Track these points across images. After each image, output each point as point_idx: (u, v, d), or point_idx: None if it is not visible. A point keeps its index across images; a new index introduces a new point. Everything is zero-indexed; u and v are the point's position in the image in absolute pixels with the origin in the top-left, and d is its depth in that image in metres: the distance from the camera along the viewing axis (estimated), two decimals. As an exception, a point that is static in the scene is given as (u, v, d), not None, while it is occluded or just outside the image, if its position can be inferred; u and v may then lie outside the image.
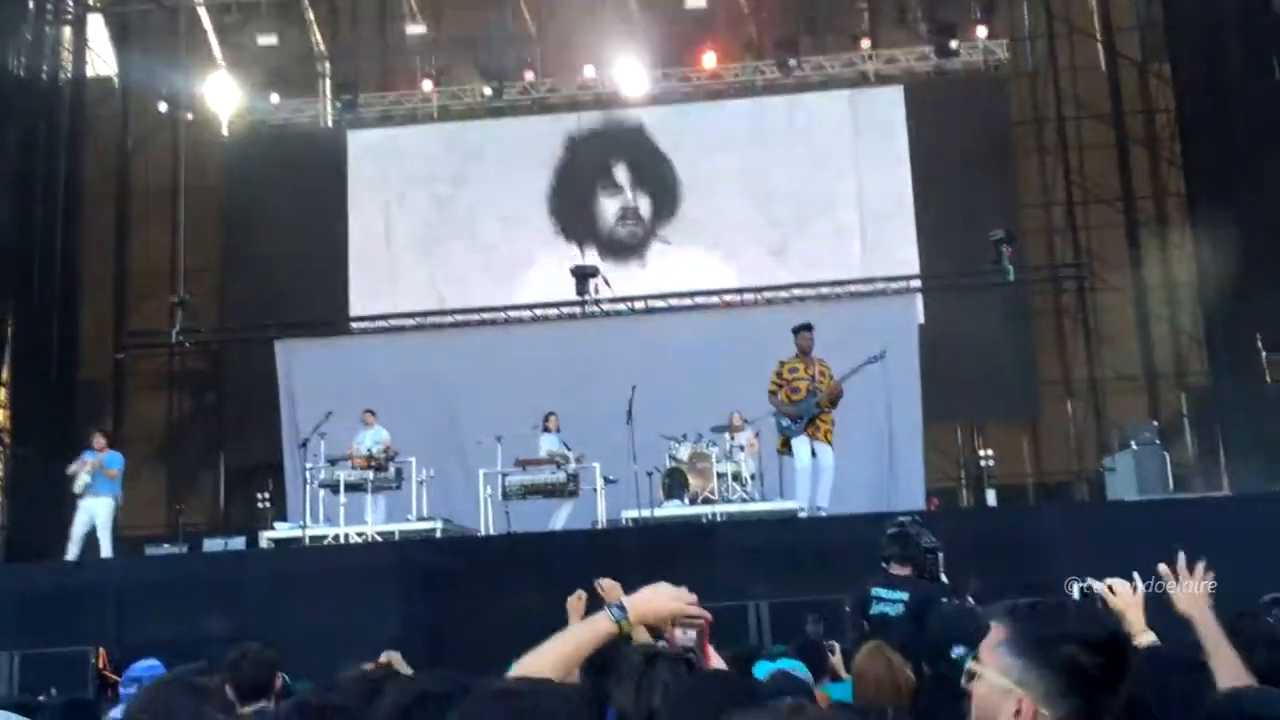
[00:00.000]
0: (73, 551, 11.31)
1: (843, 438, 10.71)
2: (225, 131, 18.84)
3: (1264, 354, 14.22)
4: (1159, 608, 2.79)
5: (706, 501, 11.28)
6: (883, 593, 5.65)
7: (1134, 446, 11.94)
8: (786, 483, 11.19)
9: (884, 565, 5.74)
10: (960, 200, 16.55)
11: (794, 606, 7.79)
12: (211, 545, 13.09)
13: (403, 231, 18.09)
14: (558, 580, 8.67)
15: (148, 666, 5.40)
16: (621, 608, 2.14)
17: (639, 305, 17.14)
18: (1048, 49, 18.72)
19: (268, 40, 17.53)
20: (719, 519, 10.69)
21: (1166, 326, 17.63)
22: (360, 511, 11.93)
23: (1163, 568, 2.80)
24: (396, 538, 11.34)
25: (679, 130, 17.90)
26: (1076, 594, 2.76)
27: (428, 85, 18.33)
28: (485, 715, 1.57)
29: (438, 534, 11.53)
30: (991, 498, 15.60)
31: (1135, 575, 2.80)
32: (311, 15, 19.52)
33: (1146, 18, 18.25)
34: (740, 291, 17.16)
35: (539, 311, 17.23)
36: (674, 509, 11.12)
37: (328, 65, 19.05)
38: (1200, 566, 2.78)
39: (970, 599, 5.64)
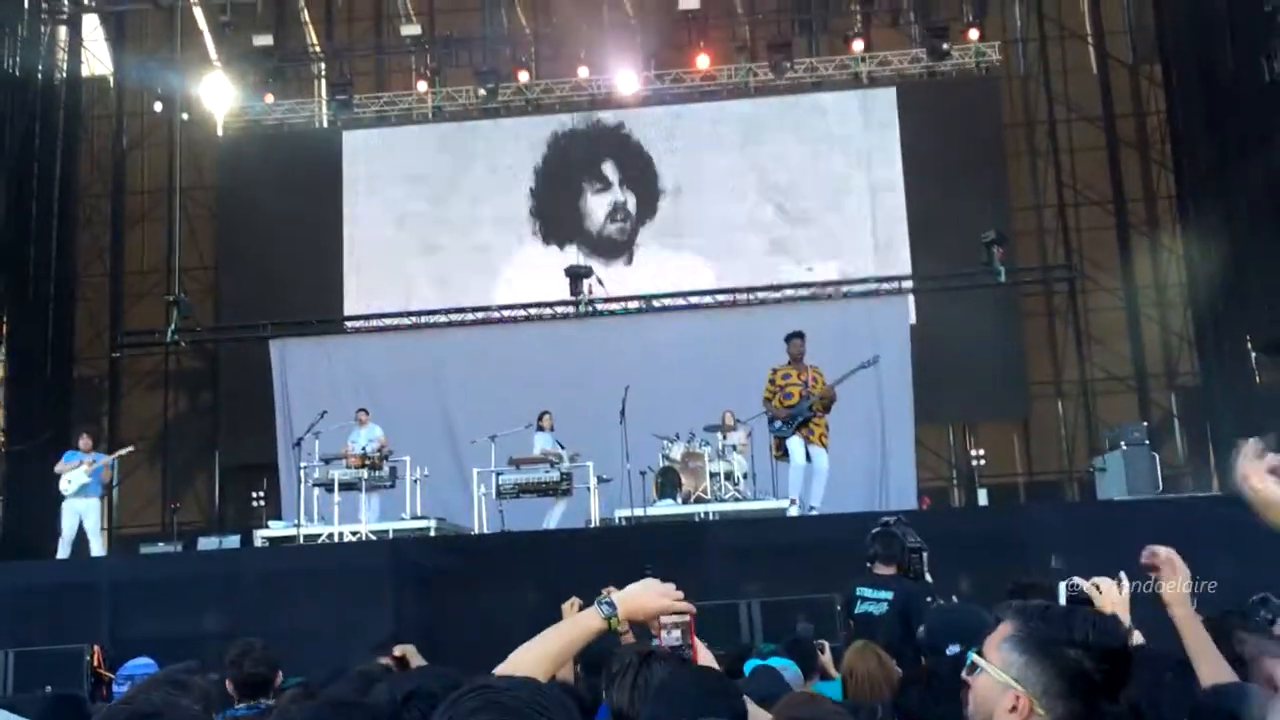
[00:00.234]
0: (64, 552, 11.33)
1: (835, 437, 10.77)
2: (220, 131, 18.88)
3: (1253, 355, 14.32)
4: (1146, 606, 2.84)
5: (699, 501, 11.34)
6: (867, 592, 5.71)
7: (1124, 447, 12.01)
8: (779, 482, 11.25)
9: (869, 565, 5.80)
10: (952, 201, 16.64)
11: (785, 605, 7.84)
12: (206, 544, 13.14)
13: (397, 231, 18.13)
14: (551, 579, 8.76)
15: (141, 665, 5.44)
16: (610, 604, 2.18)
17: (632, 305, 17.20)
18: (1039, 52, 18.83)
19: (263, 40, 17.53)
20: (711, 518, 10.75)
21: (1157, 328, 17.74)
22: (355, 510, 11.97)
23: (1157, 550, 2.83)
24: (390, 536, 11.37)
25: (671, 131, 17.97)
26: (1063, 592, 2.80)
27: (422, 86, 18.36)
28: (468, 710, 1.61)
29: (431, 533, 11.58)
30: (983, 497, 15.70)
31: (1122, 574, 2.84)
32: (307, 15, 19.58)
33: (1137, 21, 18.36)
34: (733, 292, 17.22)
35: (533, 311, 17.28)
36: (667, 508, 11.17)
37: (323, 65, 19.09)
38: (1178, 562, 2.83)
39: (955, 598, 5.70)
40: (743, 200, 17.59)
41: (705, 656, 2.31)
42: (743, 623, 8.03)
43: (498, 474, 11.74)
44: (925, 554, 5.83)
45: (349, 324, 17.91)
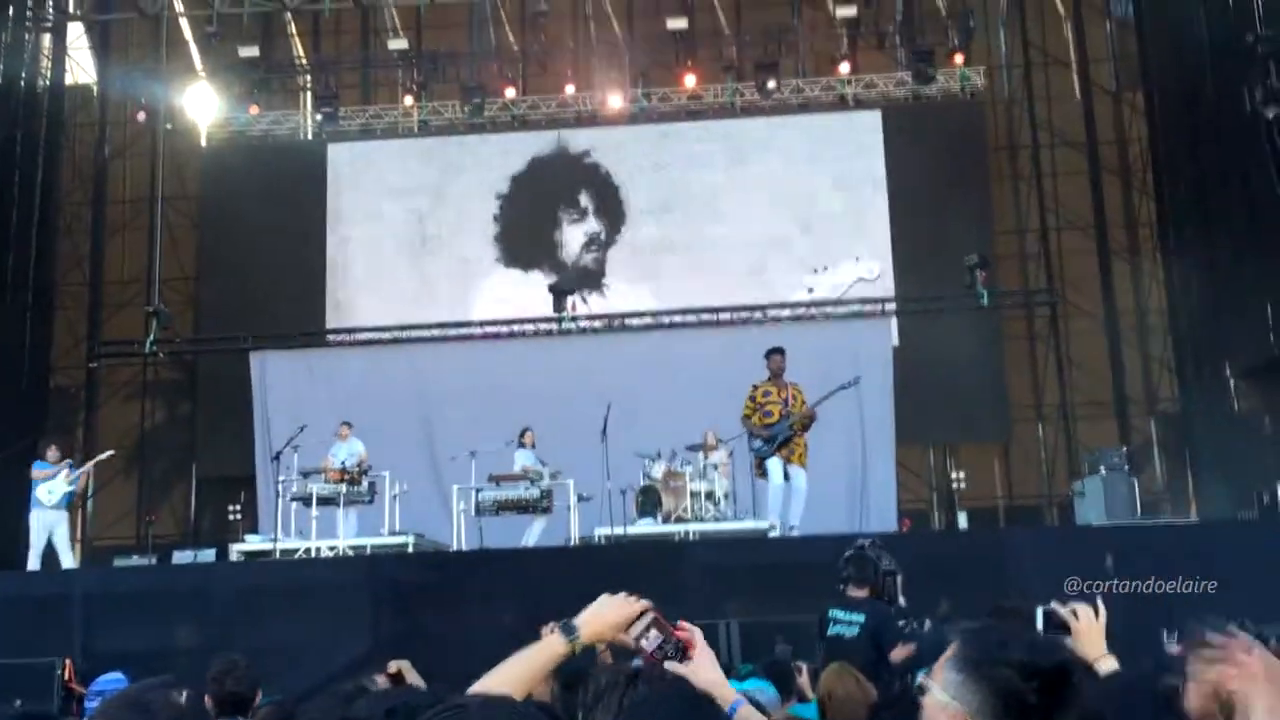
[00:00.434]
0: (34, 563, 11.21)
1: (816, 458, 10.78)
2: (204, 141, 18.82)
3: (1233, 382, 14.40)
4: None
5: (679, 520, 11.30)
6: (839, 614, 5.70)
7: (1103, 471, 12.07)
8: (759, 503, 11.24)
9: (841, 587, 5.80)
10: (935, 225, 16.73)
11: (764, 626, 7.81)
12: (181, 557, 12.98)
13: (381, 245, 18.08)
14: (530, 597, 8.71)
15: (112, 680, 5.37)
16: (571, 627, 2.17)
17: (615, 323, 17.19)
18: (1024, 77, 18.97)
19: (249, 51, 17.49)
20: (691, 538, 10.72)
21: (1137, 353, 17.83)
22: (332, 525, 11.89)
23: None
24: (368, 552, 11.29)
25: (655, 149, 18.01)
26: (1040, 616, 2.80)
27: (408, 100, 18.35)
28: None
29: (409, 548, 11.49)
30: (963, 520, 15.71)
31: (1098, 599, 2.84)
32: (294, 28, 19.55)
33: (1120, 49, 18.52)
34: (715, 311, 17.24)
35: (516, 327, 17.24)
36: (647, 527, 11.13)
37: (309, 78, 19.05)
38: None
39: (928, 622, 5.70)
40: (725, 220, 17.61)
41: (699, 642, 2.25)
42: (721, 643, 8.00)
43: (477, 490, 11.69)
44: (899, 577, 5.84)
45: (330, 337, 17.84)
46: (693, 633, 2.23)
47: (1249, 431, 13.65)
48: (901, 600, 5.92)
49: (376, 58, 18.91)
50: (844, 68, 17.62)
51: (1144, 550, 8.81)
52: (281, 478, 12.05)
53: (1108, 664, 2.78)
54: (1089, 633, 2.76)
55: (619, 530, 10.76)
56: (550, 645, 2.17)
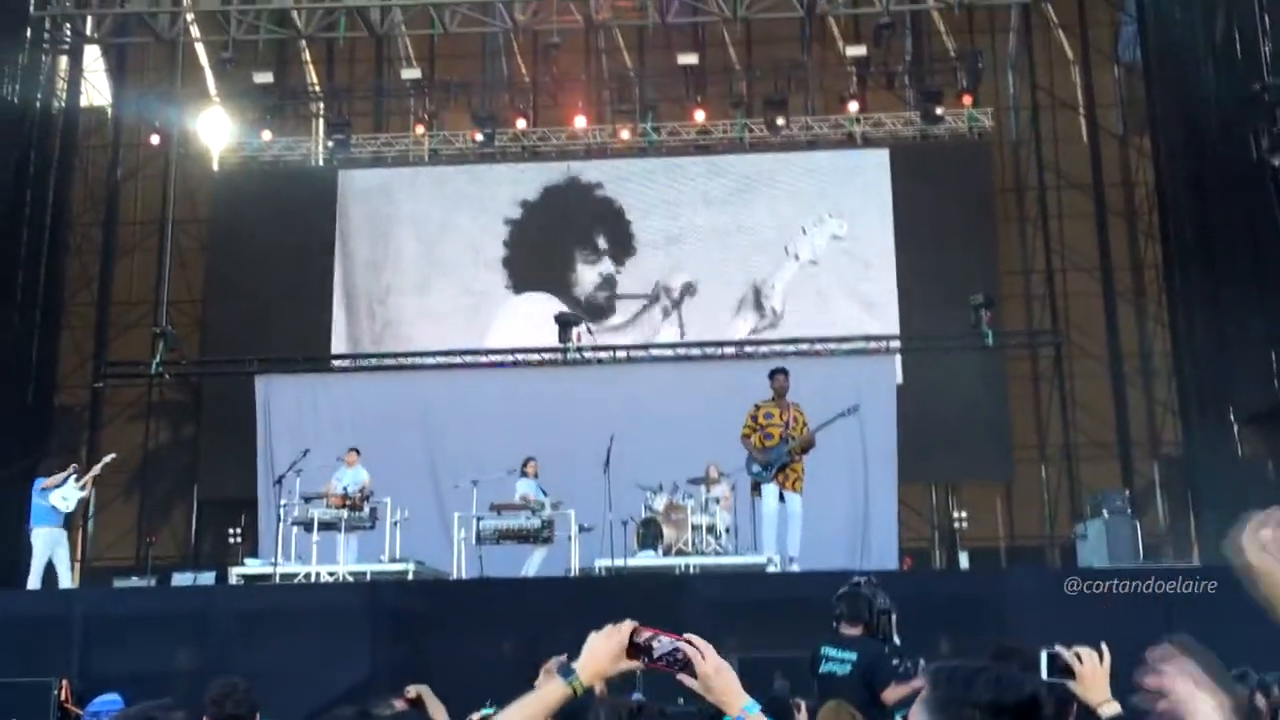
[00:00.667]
0: (35, 582, 11.17)
1: (818, 493, 10.77)
2: (216, 165, 18.94)
3: (1236, 427, 14.38)
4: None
5: (680, 553, 11.27)
6: (831, 651, 5.69)
7: (1105, 514, 12.03)
8: (760, 537, 11.22)
9: (834, 624, 5.78)
10: (941, 264, 16.78)
11: (764, 662, 7.79)
12: (180, 579, 12.99)
13: (389, 272, 18.17)
14: (529, 627, 8.69)
15: (107, 701, 5.36)
16: (569, 669, 2.17)
17: (620, 355, 17.22)
18: (1031, 120, 19.08)
19: (263, 77, 17.64)
20: (692, 571, 10.69)
21: (1141, 395, 17.82)
22: (333, 551, 11.87)
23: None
24: (368, 578, 11.27)
25: (665, 182, 18.10)
26: (1044, 659, 2.79)
27: (420, 129, 18.48)
28: None
29: (409, 576, 11.46)
30: (964, 559, 15.66)
31: (1103, 644, 2.83)
32: (308, 55, 19.73)
33: (1128, 94, 18.66)
34: (719, 345, 17.28)
35: (521, 357, 17.28)
36: (647, 559, 11.10)
37: (322, 105, 19.21)
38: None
39: (922, 661, 5.68)
40: (732, 253, 17.69)
41: (710, 652, 2.24)
42: (720, 678, 7.95)
43: (478, 519, 11.67)
44: (893, 616, 5.82)
45: (335, 363, 17.88)
46: (701, 645, 2.22)
47: (1252, 477, 13.62)
48: (896, 639, 5.90)
49: (389, 86, 19.06)
50: (853, 106, 17.75)
51: (1145, 596, 8.77)
52: (283, 502, 12.04)
53: (1111, 709, 2.77)
54: (1093, 676, 2.76)
55: (619, 562, 10.73)
56: (551, 689, 2.18)
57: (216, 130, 18.32)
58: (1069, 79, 19.24)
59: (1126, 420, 17.69)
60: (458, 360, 17.39)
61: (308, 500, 12.12)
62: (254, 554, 14.64)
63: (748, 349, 17.16)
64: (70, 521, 11.75)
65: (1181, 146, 15.77)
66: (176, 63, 19.03)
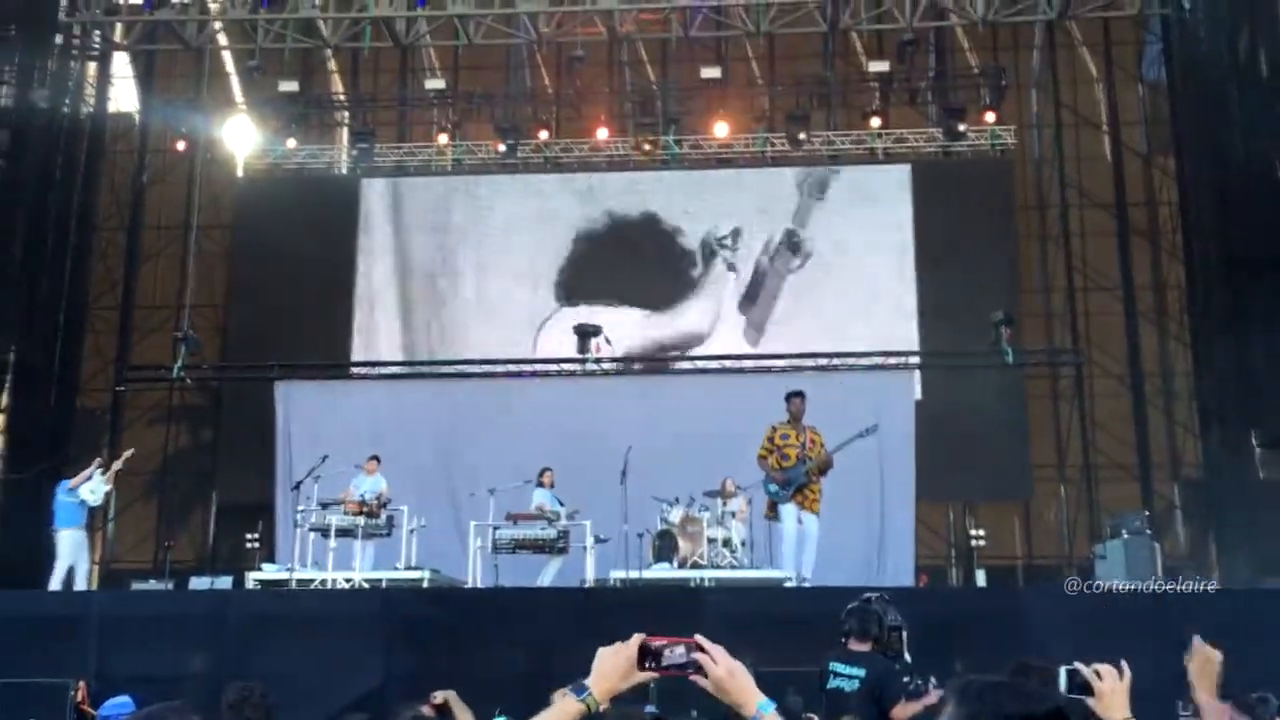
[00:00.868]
0: (56, 584, 11.23)
1: (835, 510, 10.74)
2: (240, 172, 19.09)
3: (1258, 450, 14.26)
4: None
5: (695, 566, 11.26)
6: (840, 667, 5.67)
7: (1125, 535, 11.95)
8: (776, 551, 11.20)
9: (843, 640, 5.76)
10: (961, 281, 16.72)
11: (777, 676, 7.75)
12: (198, 583, 13.04)
13: (409, 280, 18.24)
14: (543, 637, 8.69)
15: (118, 705, 5.36)
16: (582, 687, 2.18)
17: (638, 366, 17.23)
18: (1054, 138, 19.02)
19: (289, 86, 17.81)
20: (707, 584, 10.67)
21: (1162, 417, 17.70)
22: (349, 557, 11.91)
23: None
24: (383, 585, 11.30)
25: (686, 196, 18.12)
26: (1063, 676, 2.78)
27: (443, 138, 18.59)
28: None
29: (425, 584, 11.49)
30: (981, 578, 15.56)
31: (1123, 663, 2.82)
32: (333, 64, 19.88)
33: (1152, 113, 18.57)
34: (739, 358, 17.27)
35: (539, 367, 17.31)
36: (662, 571, 11.10)
37: (346, 113, 19.35)
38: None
39: (933, 680, 5.65)
40: (752, 268, 17.70)
41: (721, 654, 2.24)
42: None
43: (494, 528, 11.68)
44: (904, 633, 5.79)
45: (355, 370, 17.96)
46: (711, 649, 2.22)
47: (1274, 500, 13.51)
48: (907, 655, 5.87)
49: (413, 96, 19.19)
50: (875, 122, 17.74)
51: (1166, 616, 8.71)
52: (300, 508, 12.09)
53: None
54: (1112, 694, 2.75)
55: (634, 574, 10.73)
56: (565, 707, 2.19)
57: (242, 137, 18.48)
58: (1092, 97, 19.19)
59: (1147, 441, 17.56)
60: (476, 369, 17.44)
61: (325, 506, 12.17)
62: (271, 559, 14.71)
63: (766, 362, 17.14)
64: (91, 524, 11.81)
65: (1206, 166, 15.70)
66: (203, 70, 19.18)
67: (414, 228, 18.39)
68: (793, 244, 17.70)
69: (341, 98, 19.70)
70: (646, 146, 17.83)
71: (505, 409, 16.21)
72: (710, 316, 17.73)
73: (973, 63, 18.76)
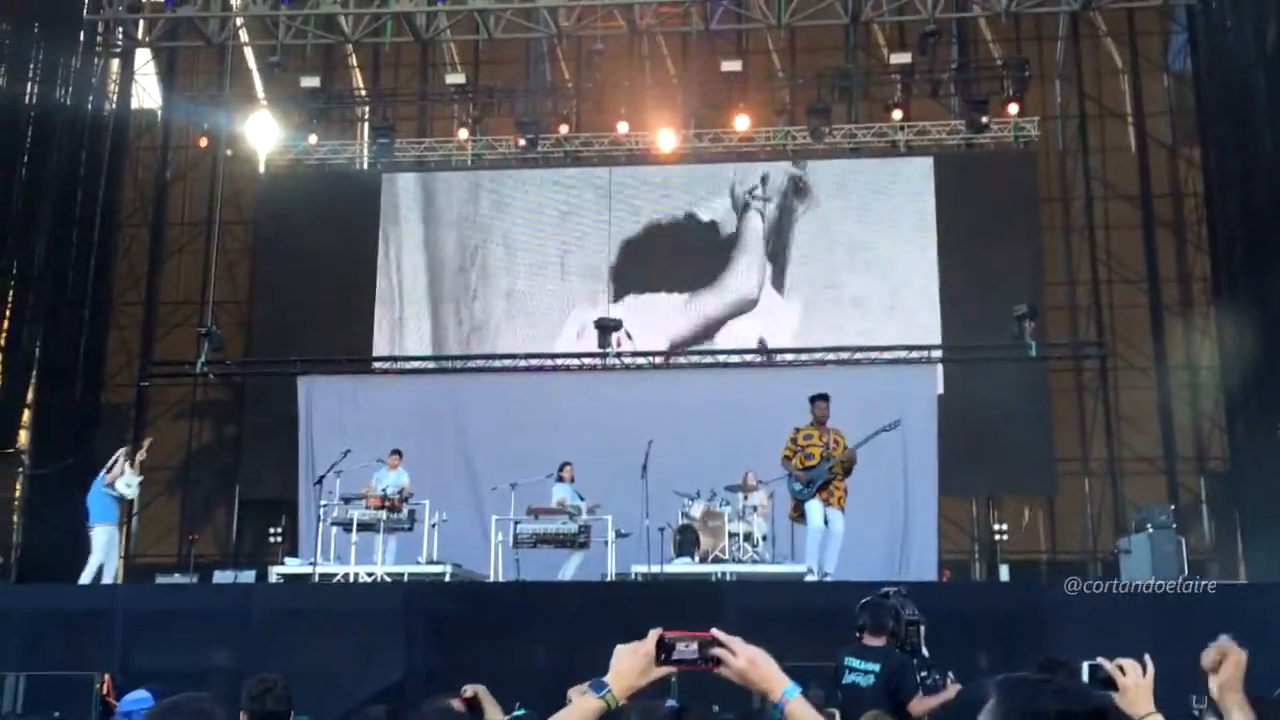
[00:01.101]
0: (88, 578, 11.27)
1: (857, 504, 10.70)
2: (262, 168, 19.16)
3: (1285, 443, 14.12)
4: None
5: (717, 560, 11.25)
6: (855, 662, 5.65)
7: (1150, 529, 11.84)
8: (797, 546, 11.17)
9: (857, 635, 5.74)
10: (985, 273, 16.63)
11: (799, 671, 7.74)
12: (222, 577, 13.13)
13: (430, 275, 18.28)
14: (564, 632, 8.70)
15: (138, 699, 5.36)
16: (601, 684, 2.17)
17: (659, 360, 17.21)
18: (1079, 129, 18.85)
19: (310, 81, 17.88)
20: (728, 579, 10.66)
21: (1188, 410, 17.54)
22: (371, 551, 11.95)
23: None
24: (405, 579, 11.34)
25: (708, 188, 18.08)
26: (1086, 671, 2.76)
27: (464, 133, 18.61)
28: None
29: (447, 578, 11.52)
30: (1005, 573, 15.48)
31: (1146, 657, 2.80)
32: (354, 60, 19.93)
33: (1178, 104, 18.40)
34: (760, 352, 17.24)
35: (560, 361, 17.33)
36: (684, 566, 11.10)
37: (367, 109, 19.39)
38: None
39: (950, 674, 5.62)
40: (774, 261, 17.64)
41: (737, 643, 2.22)
42: (755, 686, 7.91)
43: (516, 523, 11.70)
44: (922, 627, 5.77)
45: (377, 365, 18.02)
46: (729, 641, 2.21)
47: (1301, 494, 13.39)
48: (925, 650, 5.84)
49: (434, 91, 19.21)
50: (897, 114, 17.65)
51: (1192, 610, 8.63)
52: (323, 502, 12.14)
53: (1151, 721, 2.73)
54: (1136, 689, 2.72)
55: (655, 568, 10.72)
56: (585, 704, 2.19)
57: (264, 133, 18.54)
58: (1117, 88, 19.01)
59: (1172, 435, 17.42)
60: (496, 364, 17.47)
61: (347, 501, 12.22)
62: (294, 553, 14.78)
63: (787, 356, 17.10)
64: (120, 518, 11.89)
65: (1231, 157, 15.55)
66: (225, 66, 19.25)
67: (442, 222, 18.42)
68: (799, 189, 17.69)
69: (362, 93, 19.76)
70: (668, 142, 17.80)
71: (526, 403, 16.24)
72: (756, 276, 17.62)
73: (996, 54, 18.63)
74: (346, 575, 11.43)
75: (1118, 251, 18.27)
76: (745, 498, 11.83)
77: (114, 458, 11.68)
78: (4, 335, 16.17)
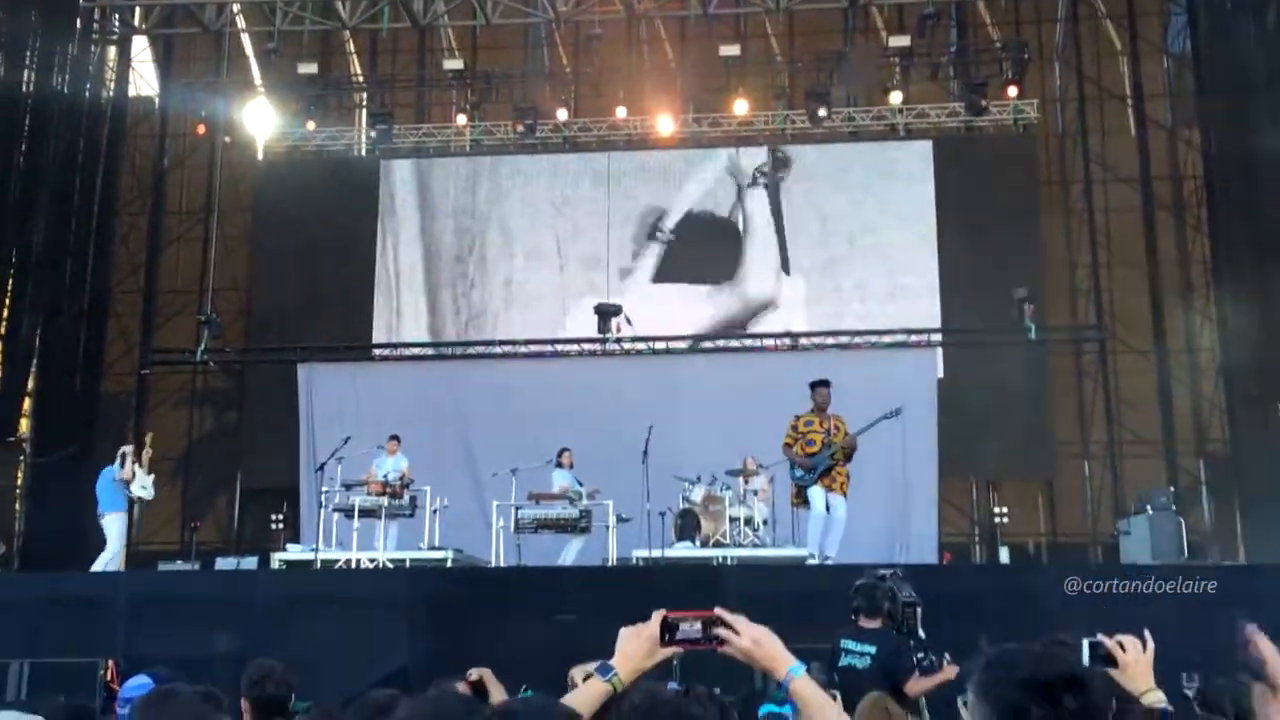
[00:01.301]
0: (100, 565, 11.29)
1: (858, 487, 10.71)
2: (260, 155, 19.12)
3: (1285, 425, 14.14)
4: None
5: (718, 545, 11.28)
6: (851, 645, 5.68)
7: (1150, 511, 11.89)
8: (798, 530, 11.19)
9: (852, 617, 5.76)
10: (984, 257, 16.61)
11: (801, 653, 7.75)
12: (224, 564, 13.17)
13: (429, 261, 18.26)
14: (566, 615, 8.70)
15: (137, 686, 5.37)
16: (607, 667, 2.19)
17: (659, 345, 17.22)
18: (1078, 111, 18.81)
19: (308, 68, 17.82)
20: (729, 563, 10.69)
21: (1187, 393, 17.55)
22: (373, 538, 11.98)
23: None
24: (407, 565, 11.37)
25: (709, 173, 18.04)
26: (1086, 648, 2.78)
27: (462, 119, 18.56)
28: None
29: (448, 563, 11.56)
30: (1005, 555, 15.52)
31: (1146, 633, 2.81)
32: (352, 46, 19.87)
33: (1177, 86, 18.35)
34: (759, 336, 17.24)
35: (559, 347, 17.33)
36: (685, 550, 11.12)
37: (365, 95, 19.35)
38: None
39: (946, 655, 5.64)
40: (772, 245, 17.63)
41: (742, 623, 2.25)
42: (757, 671, 7.94)
43: (517, 508, 11.72)
44: (919, 609, 5.79)
45: (376, 351, 18.02)
46: (732, 620, 2.23)
47: (1300, 476, 13.41)
48: (921, 632, 5.87)
49: (431, 77, 19.16)
50: (895, 97, 17.61)
51: (1191, 592, 8.66)
52: (324, 489, 12.16)
53: (1154, 697, 2.75)
54: (1136, 665, 2.73)
55: (657, 553, 10.75)
56: (591, 687, 2.21)
57: (261, 120, 18.50)
58: (1116, 70, 18.95)
59: (1171, 417, 17.43)
60: (496, 350, 17.47)
61: (349, 487, 12.24)
62: (295, 540, 14.82)
63: (787, 340, 17.10)
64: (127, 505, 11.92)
65: (1232, 139, 15.53)
66: (222, 53, 19.22)
67: (440, 210, 18.39)
68: (778, 160, 17.68)
69: (360, 79, 19.69)
70: (665, 125, 17.76)
71: (526, 389, 16.23)
72: (769, 266, 17.60)
73: (994, 36, 18.57)
74: (348, 561, 11.47)
75: (1117, 234, 18.25)
76: (746, 482, 11.86)
77: (120, 453, 11.70)
78: (4, 324, 16.17)
